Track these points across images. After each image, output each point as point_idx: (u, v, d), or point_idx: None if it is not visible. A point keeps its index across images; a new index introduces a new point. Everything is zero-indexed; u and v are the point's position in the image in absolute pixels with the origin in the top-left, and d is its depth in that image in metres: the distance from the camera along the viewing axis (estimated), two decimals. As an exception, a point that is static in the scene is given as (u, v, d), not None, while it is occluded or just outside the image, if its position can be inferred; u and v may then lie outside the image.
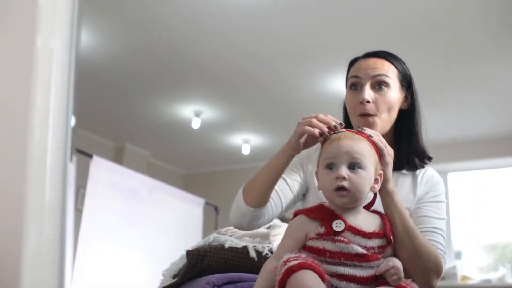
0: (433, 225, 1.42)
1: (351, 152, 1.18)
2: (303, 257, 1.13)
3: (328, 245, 1.14)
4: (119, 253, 4.35)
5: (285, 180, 1.51)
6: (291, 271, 1.08)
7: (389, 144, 1.30)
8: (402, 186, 1.48)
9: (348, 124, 1.57)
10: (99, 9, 3.52)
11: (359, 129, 1.28)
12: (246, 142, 5.92)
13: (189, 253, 1.90)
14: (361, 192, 1.18)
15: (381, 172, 1.23)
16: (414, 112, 1.54)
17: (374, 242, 1.17)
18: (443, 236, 1.42)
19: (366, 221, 1.20)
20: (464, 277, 5.05)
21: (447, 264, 1.82)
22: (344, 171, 1.16)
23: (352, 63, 1.58)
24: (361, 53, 1.59)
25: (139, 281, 4.39)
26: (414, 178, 1.50)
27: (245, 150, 5.97)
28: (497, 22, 3.49)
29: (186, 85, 4.68)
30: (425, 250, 1.28)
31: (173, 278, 1.96)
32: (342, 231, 1.14)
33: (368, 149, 1.20)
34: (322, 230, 1.16)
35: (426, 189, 1.48)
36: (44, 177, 0.86)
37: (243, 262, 1.90)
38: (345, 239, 1.14)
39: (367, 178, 1.18)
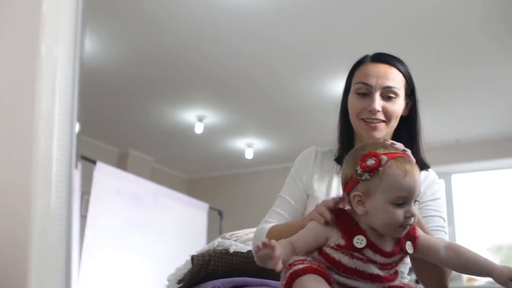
0: (436, 223, 1.45)
1: (419, 190, 1.12)
2: (309, 260, 1.11)
3: (344, 259, 1.10)
4: (124, 258, 4.35)
5: (291, 203, 1.52)
6: (296, 275, 1.06)
7: None
8: None
9: (347, 126, 1.55)
10: (103, 17, 3.54)
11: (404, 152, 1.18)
12: (249, 146, 5.91)
13: (193, 258, 1.90)
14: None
15: None
16: (415, 121, 1.53)
17: (392, 259, 1.14)
18: (446, 233, 1.47)
19: (386, 237, 1.14)
20: (470, 279, 5.03)
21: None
22: (415, 209, 1.11)
23: (359, 64, 1.54)
24: (362, 55, 1.56)
25: (144, 287, 4.39)
26: None
27: (249, 154, 5.96)
28: (500, 24, 3.49)
29: (188, 91, 4.69)
30: None
31: (178, 283, 1.96)
32: (363, 249, 1.10)
33: None
34: (342, 242, 1.11)
35: (423, 190, 1.48)
36: (50, 184, 0.86)
37: (248, 266, 1.90)
38: (363, 257, 1.10)
39: None
